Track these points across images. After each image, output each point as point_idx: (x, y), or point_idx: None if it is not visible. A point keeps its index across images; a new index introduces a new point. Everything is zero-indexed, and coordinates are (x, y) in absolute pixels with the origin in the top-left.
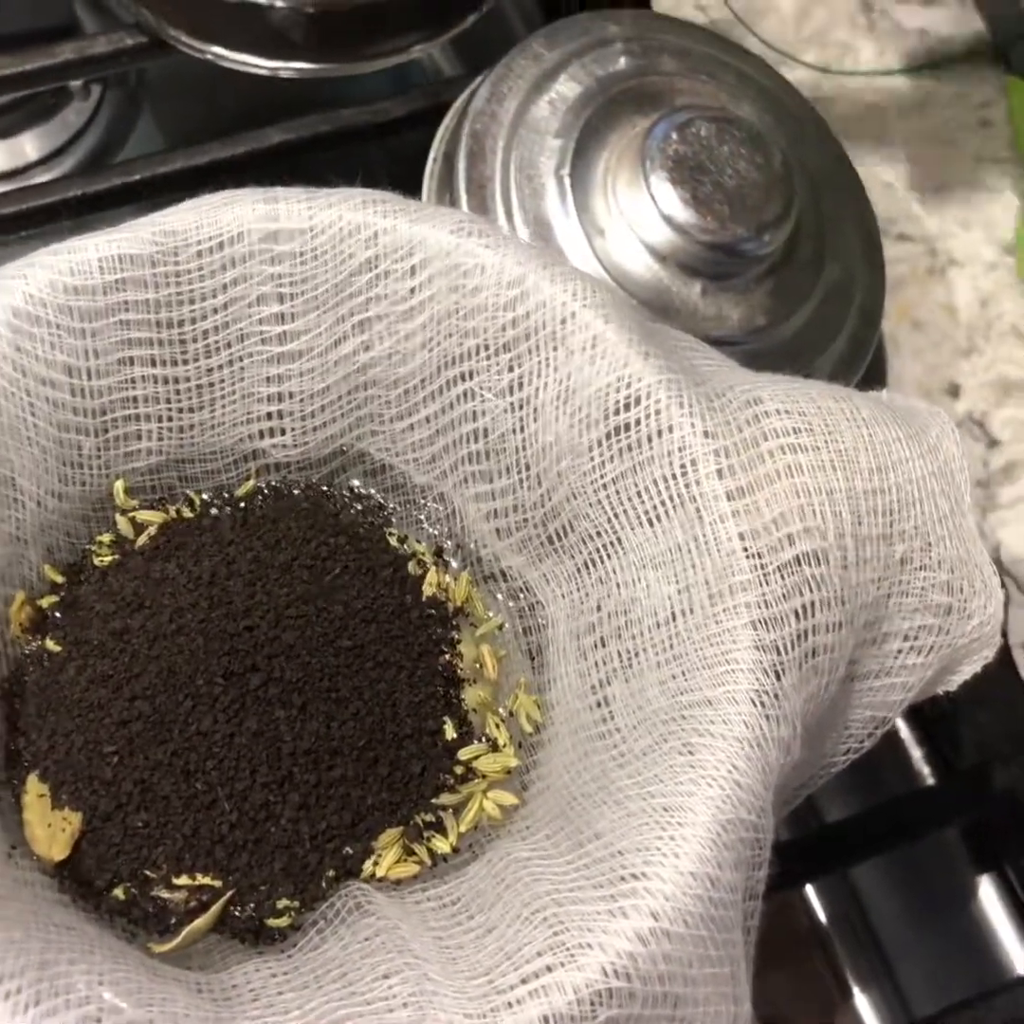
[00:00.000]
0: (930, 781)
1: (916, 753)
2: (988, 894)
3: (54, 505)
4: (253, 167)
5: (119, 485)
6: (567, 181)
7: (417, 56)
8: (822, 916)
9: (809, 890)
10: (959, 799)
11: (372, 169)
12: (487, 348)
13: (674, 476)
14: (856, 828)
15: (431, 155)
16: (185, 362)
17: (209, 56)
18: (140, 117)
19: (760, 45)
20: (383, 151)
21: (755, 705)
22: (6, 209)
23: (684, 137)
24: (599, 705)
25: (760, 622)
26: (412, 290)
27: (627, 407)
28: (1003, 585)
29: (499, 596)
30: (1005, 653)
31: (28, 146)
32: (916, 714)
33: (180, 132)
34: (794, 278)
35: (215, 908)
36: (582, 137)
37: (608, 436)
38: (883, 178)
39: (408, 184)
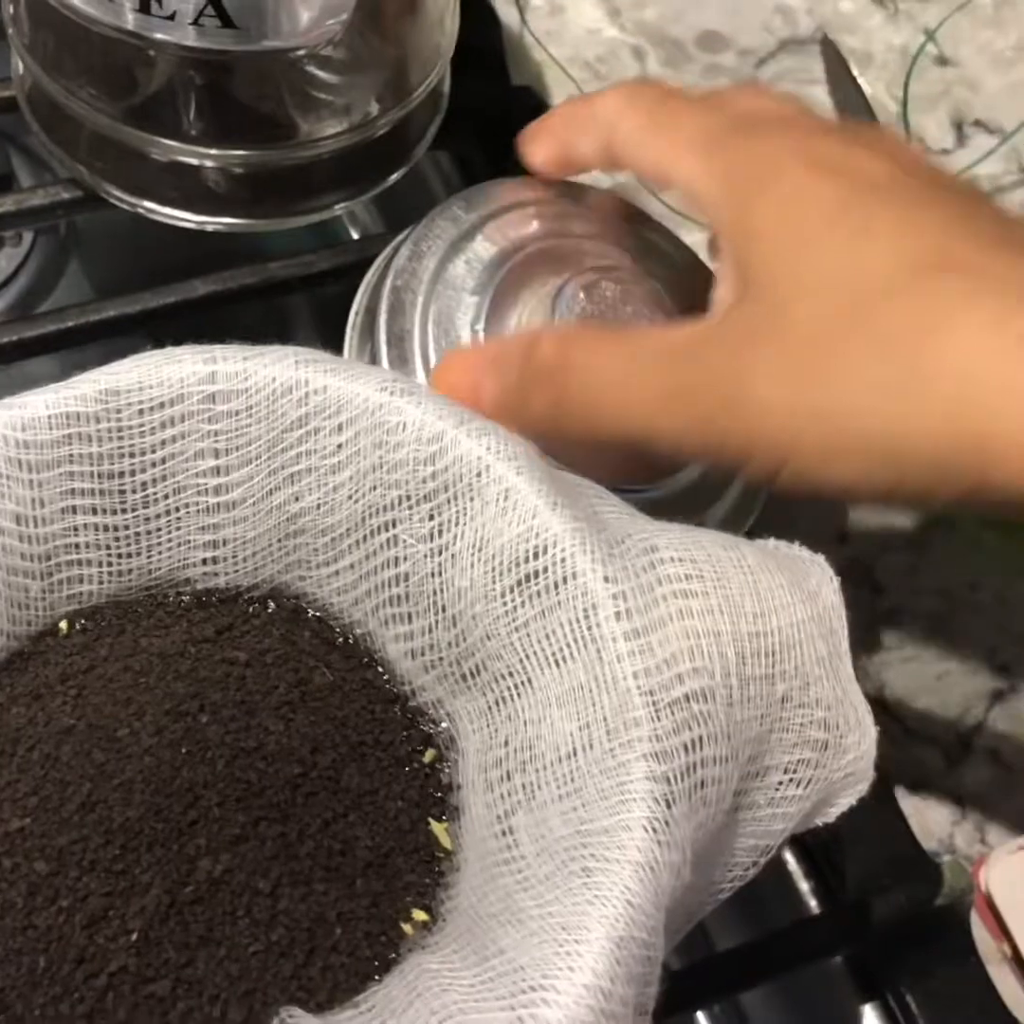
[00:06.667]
0: (816, 911)
1: (804, 886)
2: (871, 1022)
3: (3, 644)
4: (182, 317)
5: (64, 626)
6: (481, 335)
7: (340, 212)
8: None
9: (700, 1015)
10: (842, 930)
11: (296, 319)
12: (409, 499)
13: (578, 620)
14: (745, 956)
15: (354, 308)
16: (124, 511)
17: (140, 210)
18: (69, 263)
19: (662, 207)
20: (307, 301)
21: (648, 832)
22: None
23: (590, 296)
24: (504, 834)
25: (652, 755)
26: (339, 446)
27: (536, 555)
28: (888, 725)
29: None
30: (885, 789)
31: None
32: (803, 847)
33: (107, 279)
34: None
35: None
36: (496, 294)
37: (520, 582)
38: None
39: (331, 333)
